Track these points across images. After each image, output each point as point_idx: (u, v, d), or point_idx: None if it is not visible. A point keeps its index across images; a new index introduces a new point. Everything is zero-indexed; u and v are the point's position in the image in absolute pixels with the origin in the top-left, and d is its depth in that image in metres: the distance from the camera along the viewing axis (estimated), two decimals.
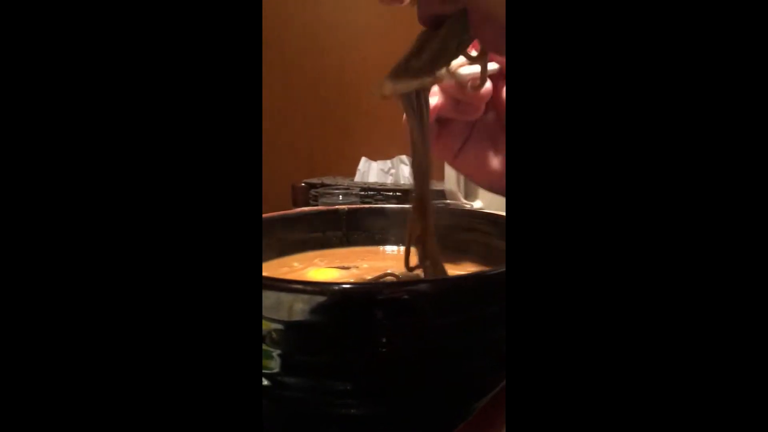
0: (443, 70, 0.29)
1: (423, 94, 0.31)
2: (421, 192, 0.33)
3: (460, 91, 0.37)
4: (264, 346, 0.25)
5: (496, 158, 0.41)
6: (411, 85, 0.28)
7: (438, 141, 0.41)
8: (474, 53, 0.33)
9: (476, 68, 0.36)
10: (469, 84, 0.37)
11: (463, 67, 0.35)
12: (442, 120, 0.41)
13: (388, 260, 0.43)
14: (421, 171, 0.32)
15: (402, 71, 0.28)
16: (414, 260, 0.34)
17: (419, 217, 0.33)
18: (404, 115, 0.32)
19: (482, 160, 0.41)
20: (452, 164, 0.42)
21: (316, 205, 0.87)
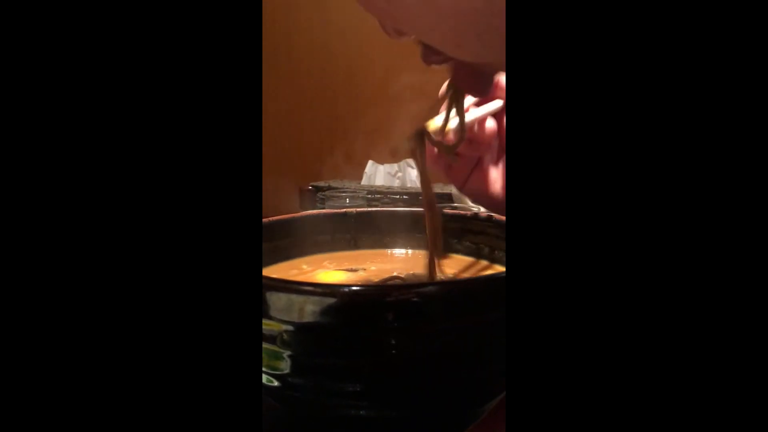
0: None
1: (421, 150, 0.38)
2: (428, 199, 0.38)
3: (469, 132, 0.42)
4: (275, 348, 0.25)
5: (498, 183, 0.45)
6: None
7: (449, 172, 0.46)
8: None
9: (480, 111, 0.41)
10: (475, 126, 0.41)
11: (468, 111, 0.40)
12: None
13: (396, 263, 0.43)
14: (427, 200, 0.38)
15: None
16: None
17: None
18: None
19: (487, 185, 0.46)
20: (461, 190, 0.47)
21: (324, 208, 0.87)
